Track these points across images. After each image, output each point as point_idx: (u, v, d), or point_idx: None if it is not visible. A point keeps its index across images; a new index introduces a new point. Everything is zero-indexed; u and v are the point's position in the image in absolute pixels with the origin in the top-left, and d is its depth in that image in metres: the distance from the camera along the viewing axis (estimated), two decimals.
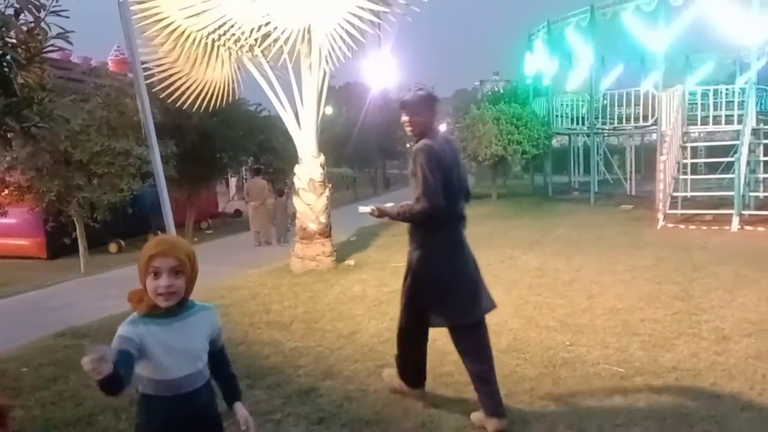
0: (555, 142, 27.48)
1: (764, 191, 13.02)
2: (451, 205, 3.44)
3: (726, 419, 3.57)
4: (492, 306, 3.63)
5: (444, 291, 3.49)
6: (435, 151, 3.40)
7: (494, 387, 3.48)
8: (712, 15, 13.49)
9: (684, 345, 4.85)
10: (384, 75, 22.13)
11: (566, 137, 19.91)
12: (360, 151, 25.91)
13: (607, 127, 16.13)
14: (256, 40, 7.98)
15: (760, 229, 10.44)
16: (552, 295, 6.68)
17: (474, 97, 33.03)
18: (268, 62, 8.34)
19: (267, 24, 7.68)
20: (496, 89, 27.81)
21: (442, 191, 3.34)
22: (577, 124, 17.18)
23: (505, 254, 9.10)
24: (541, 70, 18.73)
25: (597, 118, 15.82)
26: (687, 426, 3.51)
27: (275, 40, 7.77)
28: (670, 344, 4.88)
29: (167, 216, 4.70)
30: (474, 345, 3.53)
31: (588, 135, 17.00)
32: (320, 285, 7.60)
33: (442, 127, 21.91)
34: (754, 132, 11.93)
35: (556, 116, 17.67)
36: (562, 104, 17.69)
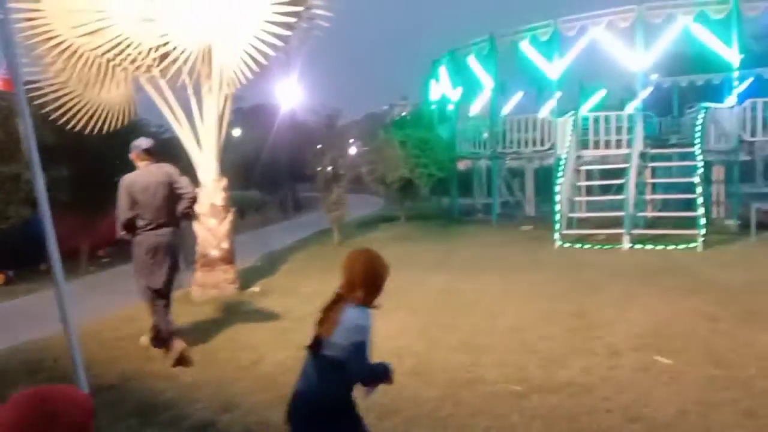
0: (461, 165, 28.37)
1: (653, 211, 13.96)
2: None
3: None
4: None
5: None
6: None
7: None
8: (603, 46, 14.42)
9: (578, 361, 5.04)
10: (293, 97, 22.09)
11: (471, 161, 20.61)
12: (269, 174, 25.57)
13: (507, 151, 16.76)
14: (154, 60, 7.71)
15: (649, 247, 11.14)
16: (456, 315, 6.81)
17: (383, 120, 33.54)
18: (167, 83, 8.08)
19: (165, 44, 7.45)
20: (403, 113, 28.39)
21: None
22: (480, 148, 17.76)
23: (413, 277, 9.17)
24: (446, 96, 19.30)
25: (498, 142, 16.44)
26: None
27: (174, 61, 7.54)
28: (565, 361, 5.07)
29: (51, 245, 4.39)
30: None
31: (490, 158, 17.61)
32: (221, 314, 7.36)
33: (352, 150, 22.07)
34: (642, 155, 12.78)
35: (461, 140, 18.22)
36: (466, 129, 18.28)
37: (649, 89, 22.28)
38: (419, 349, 5.53)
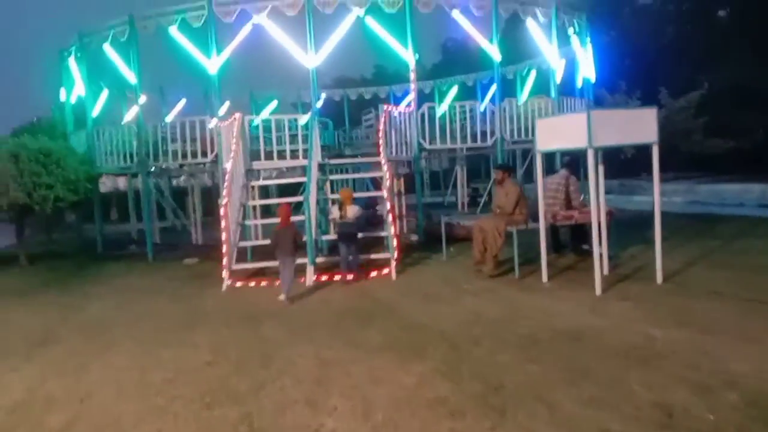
0: (121, 185, 23.65)
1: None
2: None
3: None
4: None
5: None
6: None
7: None
8: (269, 37, 12.08)
9: None
10: None
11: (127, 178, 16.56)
12: None
13: (163, 165, 13.36)
14: None
15: (337, 278, 8.96)
16: None
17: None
18: None
19: None
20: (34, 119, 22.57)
21: None
22: (132, 162, 13.91)
23: None
24: (83, 97, 14.91)
25: (148, 154, 12.89)
26: None
27: None
28: None
29: None
30: None
31: (136, 175, 13.92)
32: None
33: None
34: (322, 167, 10.71)
35: (105, 153, 14.08)
36: (111, 138, 14.17)
37: (322, 99, 21.17)
38: None
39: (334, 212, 9.14)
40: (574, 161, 9.54)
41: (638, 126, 7.27)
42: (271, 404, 4.33)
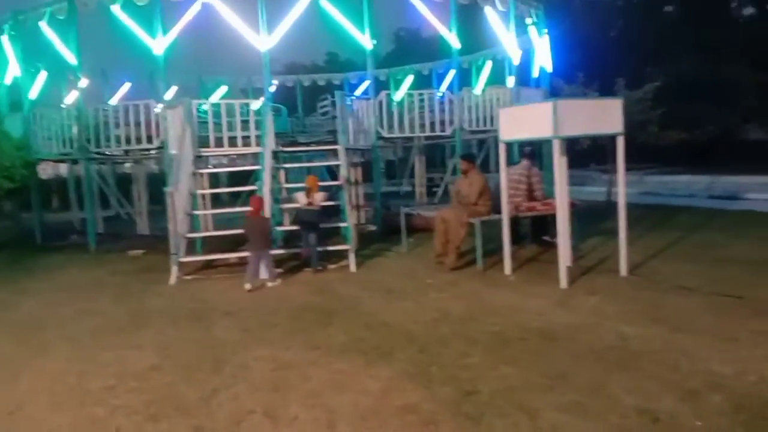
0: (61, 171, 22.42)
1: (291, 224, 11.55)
2: None
3: None
4: None
5: None
6: None
7: None
8: (220, 17, 11.49)
9: None
10: None
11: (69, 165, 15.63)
12: None
13: (106, 151, 12.58)
14: None
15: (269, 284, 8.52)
16: None
17: None
18: None
19: None
20: None
21: None
22: (72, 147, 13.05)
23: None
24: (18, 78, 13.92)
25: (89, 140, 12.09)
26: None
27: None
28: None
29: None
30: None
31: (77, 161, 13.12)
32: None
33: None
34: (276, 155, 10.23)
35: (43, 138, 13.18)
36: (51, 123, 13.26)
37: (274, 86, 20.52)
38: None
39: (301, 199, 8.86)
40: (534, 152, 9.37)
41: (604, 116, 7.13)
42: (224, 415, 3.94)
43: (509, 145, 8.04)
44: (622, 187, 7.35)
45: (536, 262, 8.50)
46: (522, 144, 9.35)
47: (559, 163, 6.85)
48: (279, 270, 8.46)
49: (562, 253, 6.89)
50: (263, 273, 7.98)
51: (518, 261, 8.21)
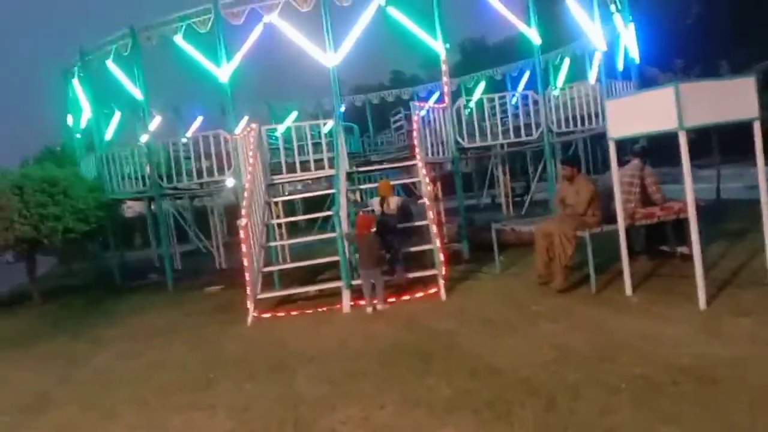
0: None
1: None
2: None
3: None
4: None
5: None
6: None
7: None
8: (283, 38, 10.98)
9: None
10: None
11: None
12: None
13: (178, 186, 12.21)
14: None
15: (378, 307, 7.68)
16: None
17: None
18: None
19: None
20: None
21: None
22: (144, 184, 12.81)
23: None
24: (91, 119, 13.93)
25: (161, 176, 11.79)
26: None
27: None
28: None
29: None
30: None
31: (152, 198, 12.91)
32: None
33: None
34: (350, 177, 9.50)
35: (119, 177, 13.03)
36: (123, 161, 13.09)
37: (343, 106, 20.02)
38: None
39: (376, 206, 8.64)
40: (645, 149, 8.16)
41: (735, 100, 5.92)
42: None
43: (620, 143, 6.87)
44: (763, 181, 6.09)
45: (656, 277, 7.29)
46: (632, 141, 8.18)
47: (687, 159, 5.72)
48: (347, 305, 7.76)
49: (698, 266, 5.72)
50: (376, 291, 7.65)
51: (636, 278, 7.02)
